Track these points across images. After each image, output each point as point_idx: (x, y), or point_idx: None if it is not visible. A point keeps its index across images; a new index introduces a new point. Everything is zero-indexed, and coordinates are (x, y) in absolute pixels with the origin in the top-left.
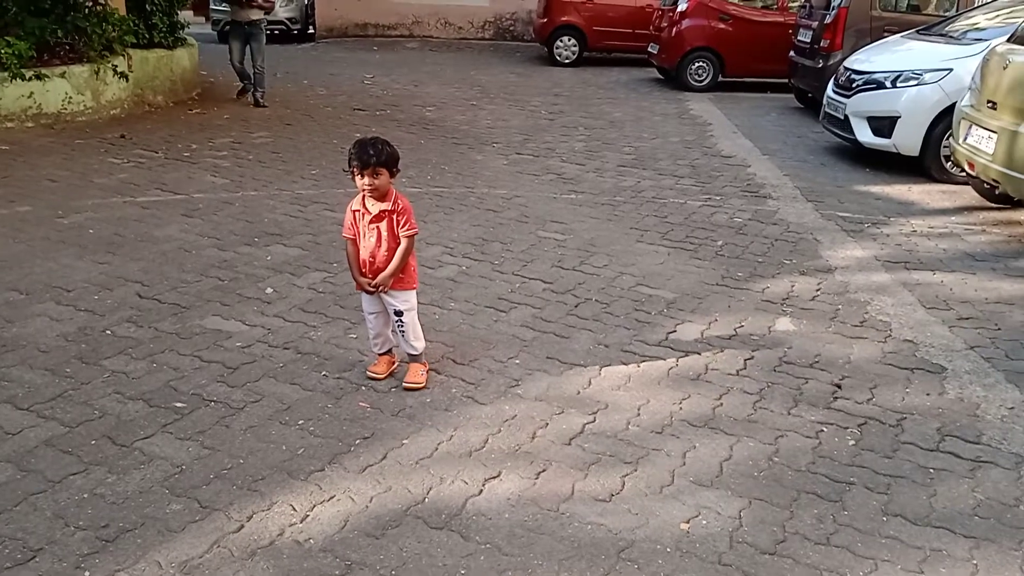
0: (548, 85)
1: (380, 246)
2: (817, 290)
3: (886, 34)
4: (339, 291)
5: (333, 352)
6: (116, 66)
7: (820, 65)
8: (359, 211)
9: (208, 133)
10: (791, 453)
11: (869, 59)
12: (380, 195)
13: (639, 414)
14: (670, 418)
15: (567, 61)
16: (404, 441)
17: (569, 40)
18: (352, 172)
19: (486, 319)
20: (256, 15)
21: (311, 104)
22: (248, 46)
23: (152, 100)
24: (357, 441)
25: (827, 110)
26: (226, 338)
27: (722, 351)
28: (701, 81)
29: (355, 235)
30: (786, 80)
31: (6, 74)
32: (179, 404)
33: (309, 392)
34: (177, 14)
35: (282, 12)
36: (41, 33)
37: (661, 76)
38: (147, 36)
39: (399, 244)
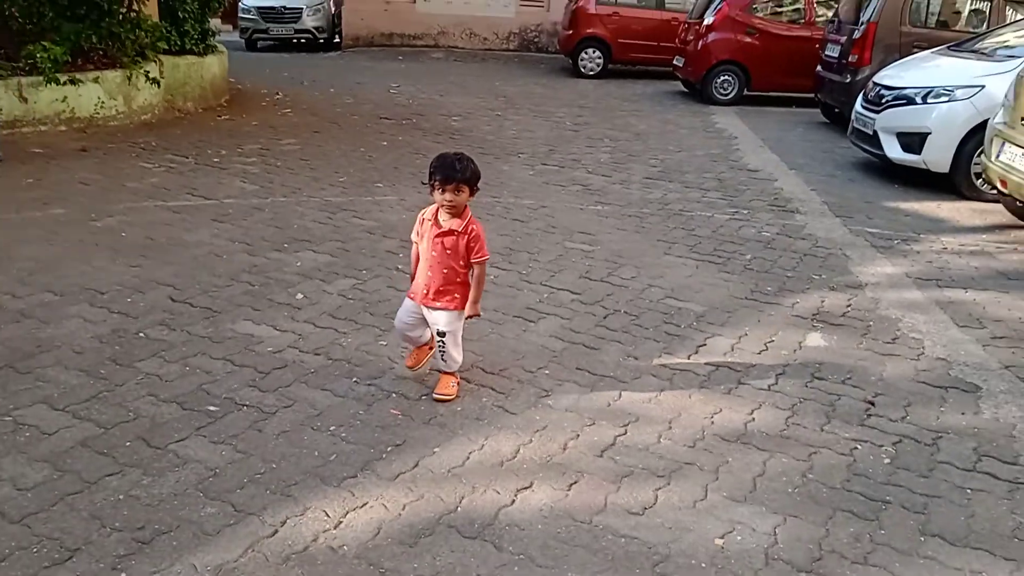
0: (573, 97)
1: (440, 264)
2: (848, 306)
3: (915, 50)
4: (368, 298)
5: (363, 358)
6: (148, 72)
7: (848, 80)
8: (429, 221)
9: (237, 139)
10: (825, 470)
11: (899, 74)
12: (456, 212)
13: (671, 427)
14: (702, 432)
15: (591, 73)
16: (435, 449)
17: (594, 52)
18: (432, 185)
19: (515, 328)
20: None
21: (338, 112)
22: None
23: (182, 106)
24: (389, 448)
25: (855, 125)
26: (257, 343)
27: (753, 366)
28: (726, 95)
29: (419, 238)
30: (812, 95)
31: (41, 78)
32: (212, 408)
33: (340, 398)
34: (208, 21)
35: (309, 21)
36: (76, 38)
37: (686, 89)
38: (179, 43)
39: (462, 267)
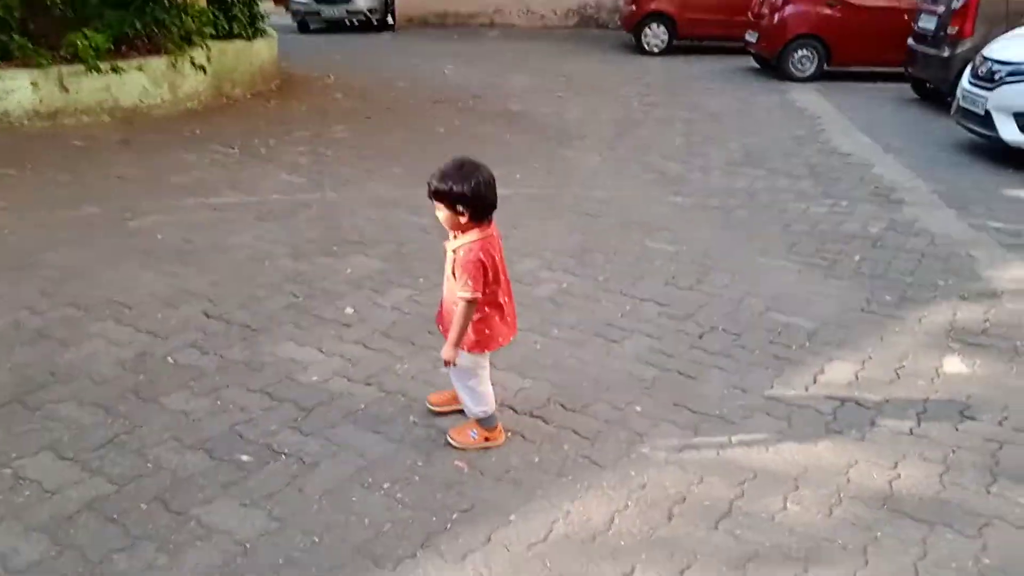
0: (637, 75)
1: (446, 286)
2: (985, 321)
3: None
4: (427, 313)
5: (421, 391)
6: (194, 58)
7: (946, 54)
8: None
9: (286, 127)
10: (1005, 551)
11: (1016, 47)
12: (453, 230)
13: (797, 487)
14: (837, 494)
15: (656, 50)
16: (511, 517)
17: (659, 28)
18: None
19: (596, 351)
20: None
21: (391, 96)
22: None
23: (230, 92)
24: (454, 515)
25: (963, 104)
26: (301, 370)
27: (886, 401)
28: (804, 71)
29: None
30: (899, 70)
31: (83, 67)
32: (244, 457)
33: (395, 444)
34: (258, 5)
35: (362, 2)
36: (120, 26)
37: (758, 66)
38: (227, 27)
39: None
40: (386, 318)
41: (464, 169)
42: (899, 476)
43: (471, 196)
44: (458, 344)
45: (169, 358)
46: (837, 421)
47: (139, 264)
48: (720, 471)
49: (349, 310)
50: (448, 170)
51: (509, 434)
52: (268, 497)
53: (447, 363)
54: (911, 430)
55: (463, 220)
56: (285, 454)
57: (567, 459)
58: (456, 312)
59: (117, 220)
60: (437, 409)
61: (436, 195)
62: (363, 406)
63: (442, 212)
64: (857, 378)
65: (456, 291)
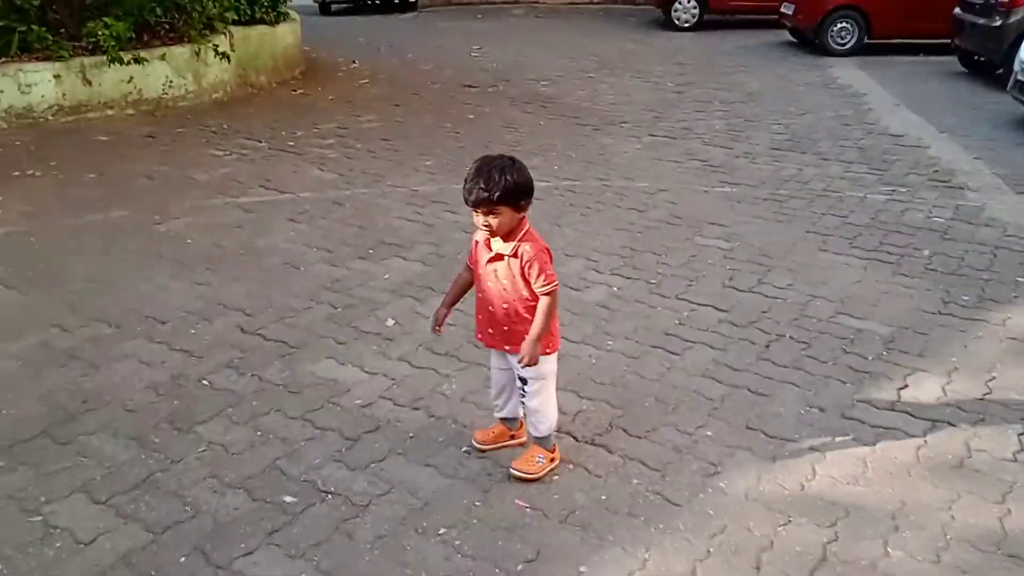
0: (669, 52)
1: (497, 298)
2: None
3: None
4: (471, 323)
5: (472, 414)
6: (217, 46)
7: (998, 23)
8: (482, 244)
9: (313, 117)
10: None
11: None
12: (500, 235)
13: (897, 528)
14: (943, 536)
15: (686, 25)
16: (581, 568)
17: (689, 2)
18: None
19: (655, 365)
20: None
21: (418, 81)
22: None
23: (255, 81)
24: (519, 567)
25: (1021, 78)
26: (343, 392)
27: (981, 419)
28: (844, 44)
29: (474, 265)
30: (944, 41)
31: (104, 58)
32: (288, 498)
33: (448, 479)
34: None
35: None
36: (139, 12)
37: (794, 40)
38: (248, 12)
39: (528, 300)
40: (429, 330)
41: (514, 162)
42: (1009, 512)
43: (531, 184)
44: (539, 341)
45: (204, 380)
46: (929, 446)
47: (170, 273)
48: (807, 509)
49: (390, 321)
50: (494, 169)
51: (571, 466)
52: (315, 546)
53: (530, 363)
54: (1014, 456)
55: (521, 214)
56: (331, 493)
57: (637, 496)
58: (539, 310)
59: (145, 224)
60: (485, 448)
61: (502, 199)
62: (411, 435)
63: (499, 217)
64: (944, 392)
65: (537, 289)
